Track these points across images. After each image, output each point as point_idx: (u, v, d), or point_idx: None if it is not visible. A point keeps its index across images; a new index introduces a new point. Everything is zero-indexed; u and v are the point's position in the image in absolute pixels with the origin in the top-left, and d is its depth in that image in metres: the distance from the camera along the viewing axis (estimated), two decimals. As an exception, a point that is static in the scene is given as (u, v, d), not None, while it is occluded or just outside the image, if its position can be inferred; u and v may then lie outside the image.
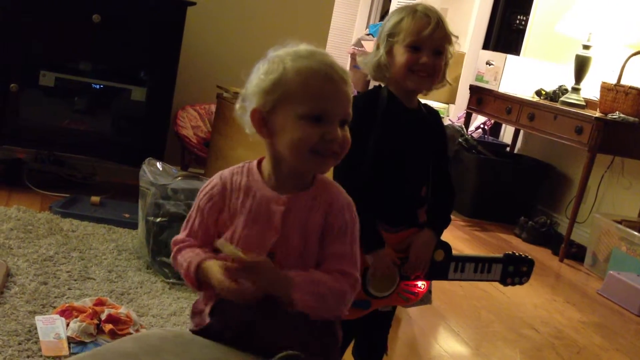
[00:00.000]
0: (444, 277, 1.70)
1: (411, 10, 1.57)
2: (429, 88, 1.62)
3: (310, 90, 1.15)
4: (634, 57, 3.82)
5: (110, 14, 3.04)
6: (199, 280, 1.21)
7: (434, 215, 1.66)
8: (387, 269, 1.57)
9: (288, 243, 1.20)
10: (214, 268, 1.17)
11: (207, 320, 1.22)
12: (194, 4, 3.20)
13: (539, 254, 3.88)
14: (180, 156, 3.66)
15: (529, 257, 1.77)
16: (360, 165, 1.54)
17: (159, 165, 2.64)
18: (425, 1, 3.23)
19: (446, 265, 1.68)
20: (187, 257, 1.23)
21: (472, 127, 5.17)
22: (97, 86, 3.21)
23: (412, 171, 1.62)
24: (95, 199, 3.00)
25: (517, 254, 1.75)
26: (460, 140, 4.52)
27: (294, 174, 1.22)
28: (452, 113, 5.32)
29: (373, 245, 1.54)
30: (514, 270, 1.73)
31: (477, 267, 1.70)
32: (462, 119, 5.04)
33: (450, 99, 5.01)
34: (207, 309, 1.23)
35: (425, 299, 1.78)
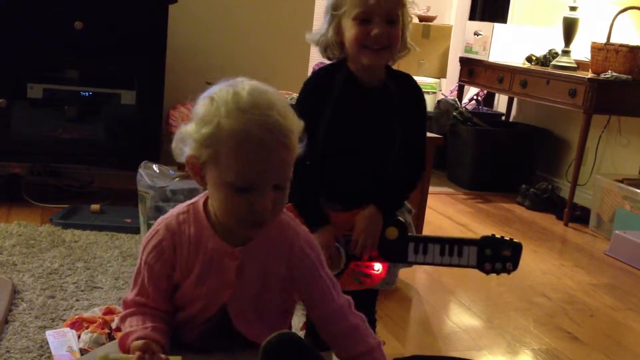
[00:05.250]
0: (402, 258, 1.57)
1: None
2: (389, 60, 1.48)
3: (239, 159, 1.05)
4: (621, 14, 3.79)
5: (91, 20, 3.01)
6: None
7: (383, 192, 1.55)
8: (325, 246, 1.47)
9: (243, 296, 1.17)
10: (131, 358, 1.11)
11: None
12: (174, 1, 3.17)
13: (543, 219, 3.87)
14: (176, 156, 3.63)
15: (514, 240, 1.57)
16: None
17: (155, 167, 2.62)
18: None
19: (403, 246, 1.56)
20: (132, 325, 1.17)
21: (465, 100, 5.15)
22: (86, 93, 3.18)
23: (364, 154, 1.53)
24: (95, 207, 2.98)
25: (497, 236, 1.56)
26: (454, 113, 4.50)
27: None
28: (444, 87, 5.29)
29: (313, 224, 1.48)
30: (493, 255, 1.53)
31: (444, 250, 1.54)
32: (455, 92, 5.02)
33: (441, 73, 4.98)
34: None
35: (389, 281, 1.61)
